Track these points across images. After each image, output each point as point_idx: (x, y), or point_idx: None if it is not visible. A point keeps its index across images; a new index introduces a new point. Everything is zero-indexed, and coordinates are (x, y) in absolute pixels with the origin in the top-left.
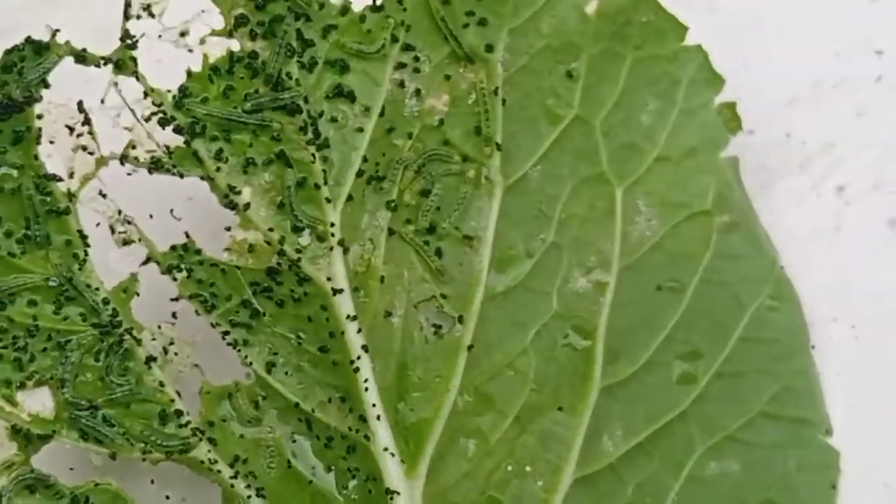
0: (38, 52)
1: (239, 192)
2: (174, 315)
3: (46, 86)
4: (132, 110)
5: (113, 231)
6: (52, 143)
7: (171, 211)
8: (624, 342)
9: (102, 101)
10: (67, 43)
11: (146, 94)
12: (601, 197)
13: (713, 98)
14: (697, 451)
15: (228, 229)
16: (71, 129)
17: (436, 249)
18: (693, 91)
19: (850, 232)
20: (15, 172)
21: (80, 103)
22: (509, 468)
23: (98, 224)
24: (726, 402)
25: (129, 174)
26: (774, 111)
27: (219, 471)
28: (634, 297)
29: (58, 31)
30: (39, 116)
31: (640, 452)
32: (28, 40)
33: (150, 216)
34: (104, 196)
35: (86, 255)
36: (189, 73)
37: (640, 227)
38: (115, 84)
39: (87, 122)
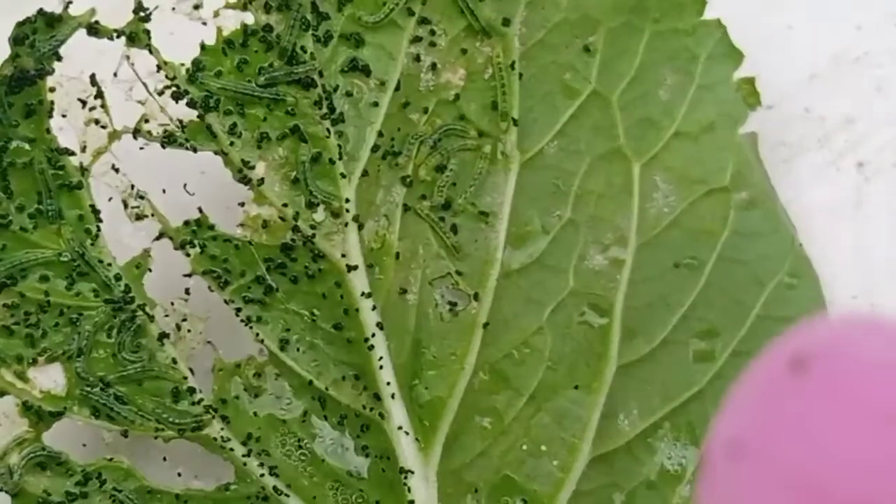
0: (51, 24)
1: (253, 167)
2: (187, 291)
3: (59, 58)
4: (144, 84)
5: (126, 206)
6: (64, 116)
7: (185, 186)
8: (641, 320)
9: (115, 75)
10: (92, 9)
11: (159, 68)
12: (618, 173)
13: (732, 73)
14: None
15: (242, 205)
16: (83, 103)
17: (451, 226)
18: (712, 66)
19: (869, 208)
20: (27, 146)
21: (92, 76)
22: (524, 447)
23: (111, 199)
24: None
25: (141, 148)
26: (794, 86)
27: (231, 448)
28: (651, 274)
29: (70, 2)
30: (52, 89)
31: (656, 432)
32: (40, 12)
33: (164, 191)
34: (117, 170)
35: (98, 230)
36: (203, 47)
37: (658, 203)
38: (128, 58)
39: (99, 95)
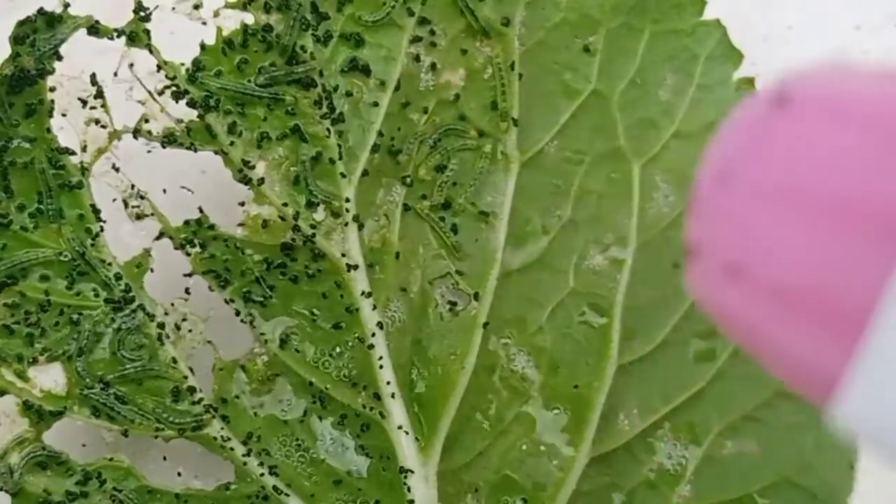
0: (51, 23)
1: (253, 167)
2: (187, 291)
3: (59, 58)
4: (143, 84)
5: (126, 205)
6: (64, 115)
7: (186, 185)
8: (641, 320)
9: (115, 75)
10: (89, 15)
11: (159, 68)
12: (618, 173)
13: (732, 73)
14: (714, 430)
15: (242, 204)
16: (84, 103)
17: (451, 225)
18: (711, 66)
19: None
20: (28, 145)
21: (92, 76)
22: (524, 447)
23: (114, 200)
24: (744, 380)
25: (149, 151)
26: None
27: (231, 448)
28: (652, 274)
29: (69, 4)
30: (52, 89)
31: (656, 431)
32: (41, 11)
33: (164, 191)
34: (117, 170)
35: (98, 229)
36: (203, 47)
37: (658, 203)
38: (127, 60)
39: (99, 95)
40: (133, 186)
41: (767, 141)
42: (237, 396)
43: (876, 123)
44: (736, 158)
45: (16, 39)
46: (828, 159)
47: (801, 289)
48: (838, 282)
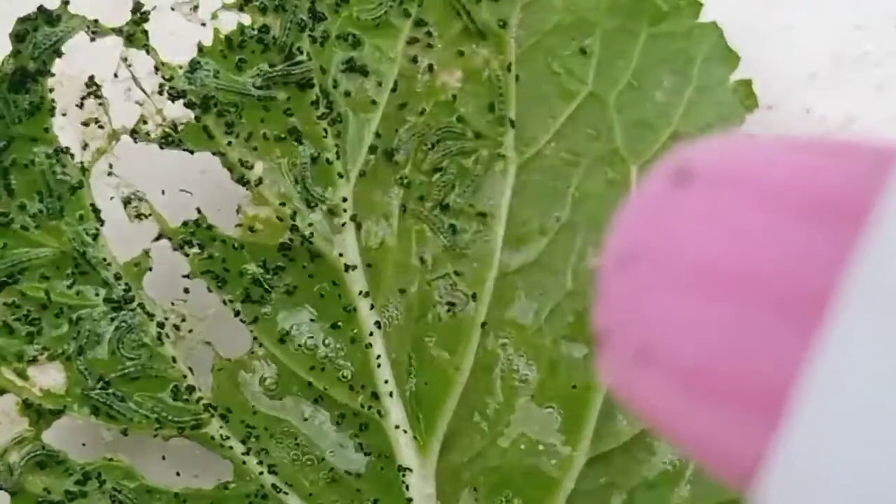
0: (51, 22)
1: (251, 168)
2: (186, 291)
3: (59, 55)
4: (140, 85)
5: (126, 205)
6: (64, 115)
7: (184, 186)
8: None
9: (116, 76)
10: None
11: (157, 69)
12: (616, 174)
13: (728, 75)
14: None
15: (238, 209)
16: (83, 103)
17: (449, 226)
18: (708, 68)
19: None
20: (29, 145)
21: (91, 77)
22: (522, 446)
23: (112, 198)
24: None
25: (161, 148)
26: (794, 86)
27: (231, 447)
28: None
29: (67, 2)
30: (51, 89)
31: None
32: (40, 9)
33: (162, 192)
34: (111, 174)
35: (98, 229)
36: (200, 48)
37: None
38: (125, 59)
39: (99, 95)
40: (132, 187)
41: (669, 219)
42: (236, 396)
43: (781, 196)
44: (638, 239)
45: (16, 37)
46: (733, 236)
47: (715, 372)
48: (753, 363)
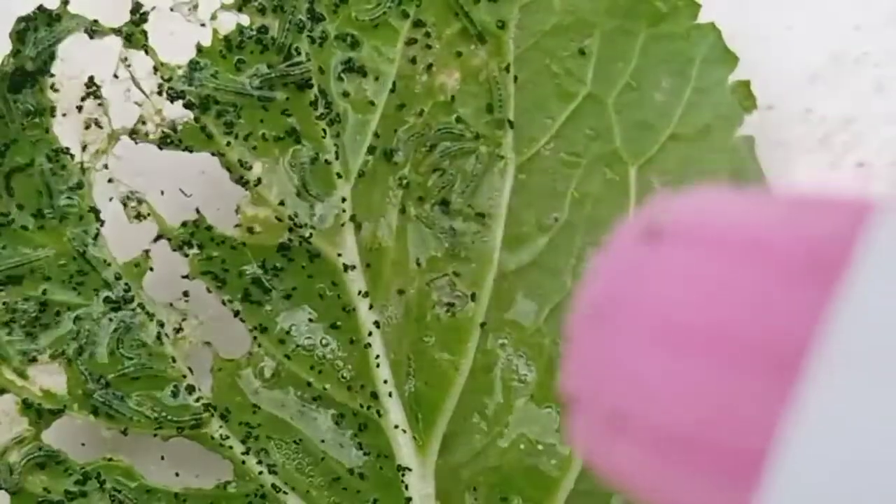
0: (51, 22)
1: (250, 168)
2: (185, 294)
3: (53, 58)
4: (139, 86)
5: (125, 206)
6: (64, 115)
7: (181, 190)
8: None
9: (116, 77)
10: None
11: (156, 69)
12: (615, 175)
13: (727, 76)
14: None
15: (237, 210)
16: (83, 103)
17: (448, 227)
18: (706, 69)
19: None
20: (29, 145)
21: (91, 78)
22: (522, 446)
23: (111, 199)
24: None
25: (161, 148)
26: (794, 86)
27: (230, 447)
28: None
29: (67, 2)
30: (53, 89)
31: None
32: (40, 9)
33: (162, 192)
34: (109, 179)
35: (98, 229)
36: (199, 48)
37: None
38: (125, 60)
39: (98, 95)
40: (131, 188)
41: (640, 276)
42: (236, 395)
43: (754, 253)
44: (609, 297)
45: (17, 35)
46: (705, 292)
47: (691, 433)
48: (728, 423)
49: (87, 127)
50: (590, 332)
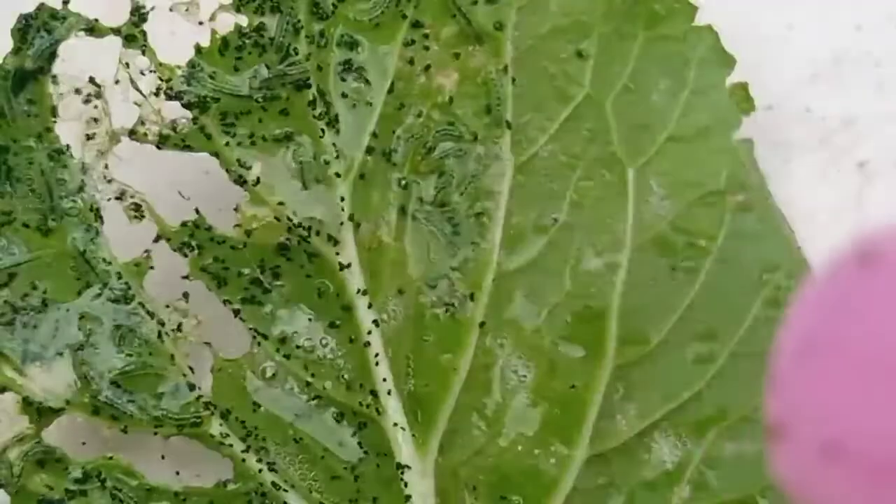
0: (51, 20)
1: (249, 168)
2: (185, 295)
3: (56, 53)
4: (136, 87)
5: (124, 206)
6: (64, 115)
7: (181, 188)
8: (638, 322)
9: (117, 82)
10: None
11: (155, 69)
12: (613, 176)
13: (724, 78)
14: (713, 430)
15: (236, 209)
16: (84, 103)
17: (446, 227)
18: (704, 71)
19: (870, 208)
20: (30, 144)
21: (91, 78)
22: (521, 446)
23: (110, 199)
24: (742, 382)
25: (159, 148)
26: (794, 86)
27: (230, 445)
28: (648, 276)
29: (68, 0)
30: (54, 84)
31: (654, 432)
32: (41, 7)
33: (161, 193)
34: (109, 179)
35: (98, 229)
36: (198, 49)
37: (653, 206)
38: (126, 63)
39: (99, 95)
40: (131, 187)
41: (856, 306)
42: (236, 394)
43: None
44: (820, 328)
45: (18, 32)
46: None
47: None
48: None
49: (88, 127)
50: (797, 362)
